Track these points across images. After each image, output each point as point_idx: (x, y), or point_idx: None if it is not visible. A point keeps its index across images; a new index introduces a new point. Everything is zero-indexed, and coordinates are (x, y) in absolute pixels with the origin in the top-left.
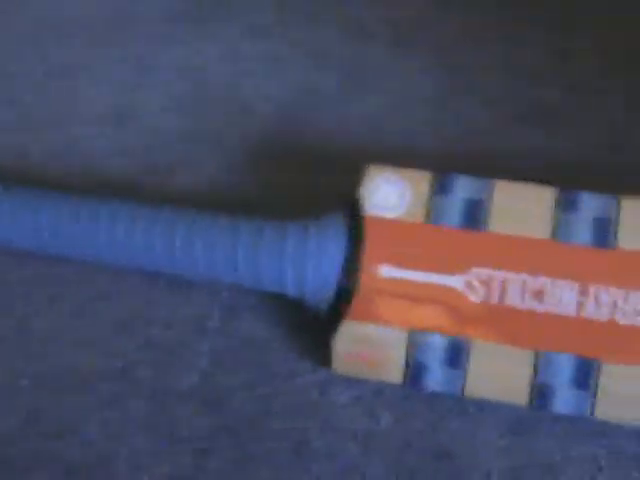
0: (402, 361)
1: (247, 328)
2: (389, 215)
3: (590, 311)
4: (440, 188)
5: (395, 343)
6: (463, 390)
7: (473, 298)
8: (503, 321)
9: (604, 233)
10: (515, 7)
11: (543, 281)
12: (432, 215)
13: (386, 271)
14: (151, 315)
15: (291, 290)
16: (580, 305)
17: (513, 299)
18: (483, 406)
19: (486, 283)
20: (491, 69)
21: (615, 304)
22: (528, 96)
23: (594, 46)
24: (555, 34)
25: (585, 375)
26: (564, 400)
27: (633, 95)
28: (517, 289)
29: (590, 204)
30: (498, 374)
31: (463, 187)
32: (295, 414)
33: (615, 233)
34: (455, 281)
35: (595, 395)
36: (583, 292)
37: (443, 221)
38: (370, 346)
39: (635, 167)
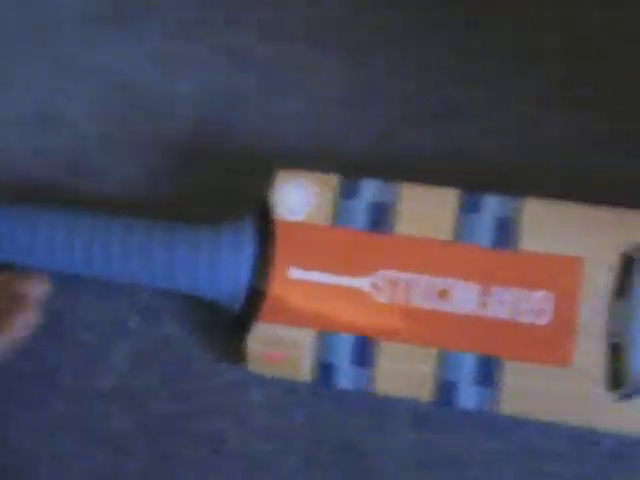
0: (312, 360)
1: (166, 329)
2: (298, 218)
3: (492, 310)
4: (347, 192)
5: (305, 343)
6: (371, 387)
7: (379, 299)
8: (408, 321)
9: (506, 234)
10: (428, 8)
11: (446, 282)
12: (339, 218)
13: (296, 273)
14: (72, 317)
15: (205, 292)
16: (482, 304)
17: (418, 299)
18: (393, 402)
19: (392, 284)
20: (407, 69)
21: (516, 304)
22: (442, 95)
23: (506, 46)
24: (468, 34)
25: (488, 372)
26: (468, 396)
27: (544, 95)
28: (421, 290)
29: (493, 205)
30: (404, 372)
31: (369, 190)
32: (212, 414)
33: (517, 234)
34: (362, 282)
35: (499, 391)
36: (485, 292)
37: (350, 224)
38: (281, 346)
39: (544, 166)
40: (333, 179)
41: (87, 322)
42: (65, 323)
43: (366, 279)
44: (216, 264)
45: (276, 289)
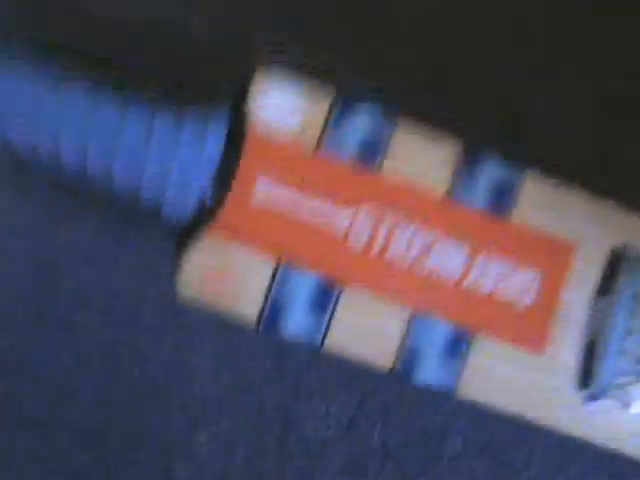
0: (261, 295)
1: (127, 366)
2: (278, 127)
3: (473, 280)
4: (341, 113)
5: (258, 271)
6: (323, 341)
7: (354, 242)
8: (382, 271)
9: (502, 201)
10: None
11: (432, 237)
12: (326, 140)
13: (263, 185)
14: (36, 352)
15: (148, 191)
16: (465, 271)
17: (397, 250)
18: (326, 444)
19: (372, 226)
20: None
21: (500, 278)
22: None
23: None
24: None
25: (455, 347)
26: (429, 371)
27: None
28: (403, 239)
29: (493, 167)
30: (366, 329)
31: (364, 116)
32: (163, 449)
33: (513, 203)
34: (339, 219)
35: (463, 370)
36: (470, 258)
37: (336, 150)
38: (228, 270)
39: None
40: (329, 93)
41: (50, 358)
42: (28, 358)
43: (345, 216)
44: (169, 157)
45: (237, 200)
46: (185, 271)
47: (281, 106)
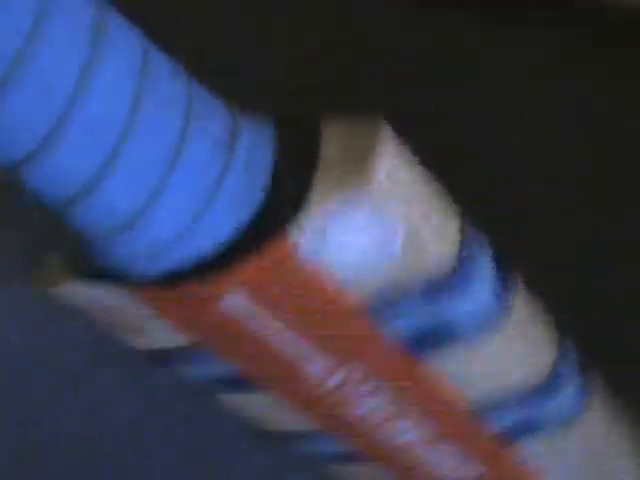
0: (160, 346)
1: None
2: (320, 262)
3: (417, 454)
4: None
5: (168, 339)
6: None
7: (317, 379)
8: (326, 412)
9: (524, 434)
10: None
11: (419, 429)
12: (388, 308)
13: (233, 300)
14: None
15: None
16: (416, 448)
17: (360, 412)
18: None
19: (351, 381)
20: None
21: (444, 463)
22: None
23: None
24: None
25: (339, 458)
26: (305, 449)
27: None
28: (378, 415)
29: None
30: (263, 417)
31: (471, 294)
32: None
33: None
34: (314, 364)
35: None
36: (428, 443)
37: (393, 324)
38: (130, 320)
39: None
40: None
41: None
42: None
43: (323, 368)
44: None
45: (185, 289)
46: (70, 283)
47: (348, 241)
